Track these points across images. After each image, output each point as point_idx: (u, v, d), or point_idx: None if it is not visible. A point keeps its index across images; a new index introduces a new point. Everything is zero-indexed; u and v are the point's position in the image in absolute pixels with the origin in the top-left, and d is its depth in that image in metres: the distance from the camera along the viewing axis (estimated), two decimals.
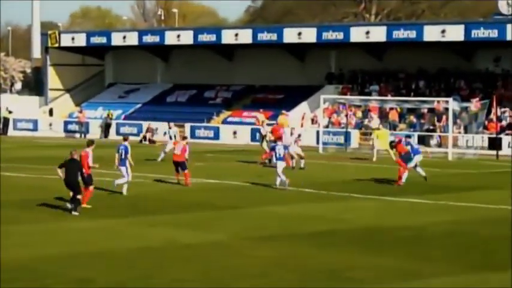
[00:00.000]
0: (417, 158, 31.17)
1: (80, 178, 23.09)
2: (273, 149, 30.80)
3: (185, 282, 15.10)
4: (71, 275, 15.50)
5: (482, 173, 36.36)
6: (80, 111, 61.10)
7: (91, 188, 23.90)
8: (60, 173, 22.82)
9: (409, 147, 31.45)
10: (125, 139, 27.90)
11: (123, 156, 26.92)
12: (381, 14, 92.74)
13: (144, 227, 20.85)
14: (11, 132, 62.18)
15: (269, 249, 18.05)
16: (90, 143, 24.97)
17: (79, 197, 22.98)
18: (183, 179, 29.59)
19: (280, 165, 29.39)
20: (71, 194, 22.93)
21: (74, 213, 22.52)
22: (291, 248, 18.28)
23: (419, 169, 31.22)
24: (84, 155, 24.07)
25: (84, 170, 23.21)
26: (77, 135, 60.23)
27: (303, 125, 54.67)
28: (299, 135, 39.10)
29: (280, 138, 34.47)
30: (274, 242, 18.89)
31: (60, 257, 16.95)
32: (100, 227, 20.82)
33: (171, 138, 37.93)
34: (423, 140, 48.00)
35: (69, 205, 22.79)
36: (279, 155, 29.65)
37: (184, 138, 32.14)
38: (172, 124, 40.38)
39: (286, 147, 32.39)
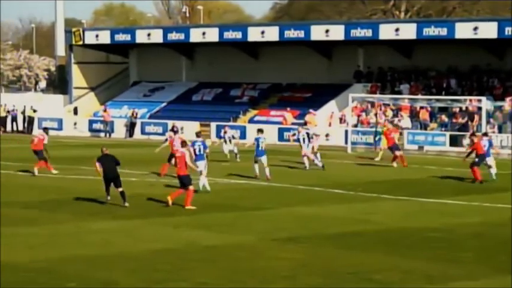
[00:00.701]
0: (488, 160, 31.79)
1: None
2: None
3: (209, 285, 15.08)
4: (94, 277, 15.53)
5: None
6: (105, 110, 61.36)
7: (191, 188, 24.12)
8: (99, 167, 24.19)
9: (486, 147, 31.87)
10: (198, 135, 28.78)
11: (201, 151, 27.39)
12: (411, 11, 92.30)
13: (167, 228, 20.88)
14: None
15: (295, 251, 18.01)
16: (184, 144, 25.52)
17: (121, 189, 24.18)
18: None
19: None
20: (112, 189, 24.18)
21: (125, 204, 24.01)
22: (317, 250, 18.23)
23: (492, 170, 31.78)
24: (181, 156, 24.23)
25: (181, 171, 23.90)
26: (102, 134, 60.48)
27: (331, 124, 54.54)
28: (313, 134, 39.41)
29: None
30: (300, 244, 18.86)
31: (82, 259, 17.00)
32: (122, 228, 20.87)
33: (225, 142, 40.48)
34: (455, 140, 47.70)
35: (109, 197, 24.38)
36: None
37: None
38: (227, 128, 42.41)
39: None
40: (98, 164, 24.35)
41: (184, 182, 24.11)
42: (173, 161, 25.54)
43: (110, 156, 24.60)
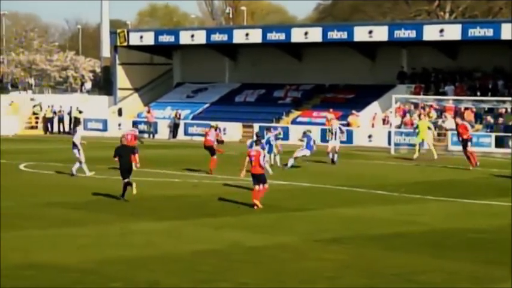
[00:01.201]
0: None
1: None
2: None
3: (251, 285, 15.08)
4: (137, 278, 15.60)
5: None
6: (148, 111, 61.70)
7: (266, 186, 24.30)
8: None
9: None
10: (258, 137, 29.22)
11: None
12: (456, 12, 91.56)
13: (210, 229, 20.91)
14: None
15: (338, 252, 17.96)
16: (259, 142, 25.53)
17: (127, 180, 25.07)
18: None
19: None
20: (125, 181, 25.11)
21: (121, 198, 25.01)
22: (361, 251, 18.17)
23: None
24: (256, 154, 24.32)
25: (256, 170, 24.09)
26: (146, 135, 60.83)
27: (374, 126, 54.31)
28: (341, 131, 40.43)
29: None
30: (344, 245, 18.80)
31: (125, 260, 17.07)
32: (165, 228, 20.95)
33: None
34: (501, 141, 47.23)
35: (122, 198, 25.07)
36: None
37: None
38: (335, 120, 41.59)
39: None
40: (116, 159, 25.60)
41: (260, 180, 24.19)
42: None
43: (129, 148, 25.93)
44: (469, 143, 36.87)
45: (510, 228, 21.15)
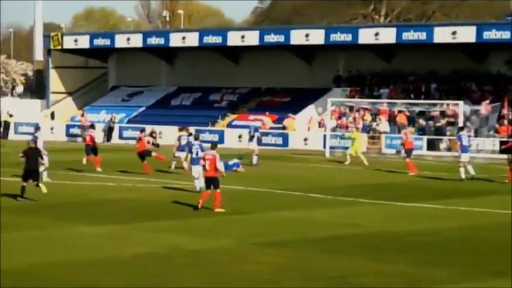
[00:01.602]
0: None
1: None
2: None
3: None
4: (77, 281, 15.54)
5: (493, 177, 36.28)
6: (82, 115, 61.18)
7: (218, 190, 24.37)
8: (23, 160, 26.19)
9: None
10: (197, 138, 29.19)
11: (199, 155, 27.18)
12: (391, 16, 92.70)
13: (150, 232, 20.90)
14: (11, 136, 62.26)
15: (276, 255, 18.07)
16: (214, 146, 25.25)
17: (28, 183, 25.96)
18: None
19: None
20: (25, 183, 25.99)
21: (20, 199, 25.86)
22: (299, 254, 18.30)
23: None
24: (212, 158, 24.36)
25: (213, 174, 24.21)
26: (79, 139, 60.28)
27: (310, 129, 54.69)
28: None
29: None
30: (282, 248, 18.92)
31: (65, 264, 16.99)
32: (105, 232, 20.88)
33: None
34: (433, 144, 47.99)
35: (21, 199, 25.86)
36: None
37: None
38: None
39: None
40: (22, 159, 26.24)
41: (213, 183, 24.24)
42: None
43: (36, 151, 26.82)
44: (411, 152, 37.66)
45: (446, 231, 21.52)
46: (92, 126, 39.38)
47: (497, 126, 48.61)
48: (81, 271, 16.35)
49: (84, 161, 35.45)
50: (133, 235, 20.55)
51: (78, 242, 19.43)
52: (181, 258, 17.70)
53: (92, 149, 35.74)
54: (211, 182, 24.31)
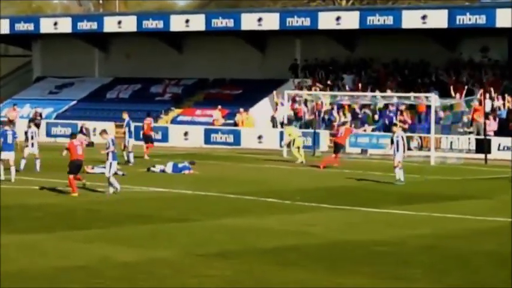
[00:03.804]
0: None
1: None
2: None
3: None
4: None
5: (468, 179, 36.60)
6: (14, 109, 60.06)
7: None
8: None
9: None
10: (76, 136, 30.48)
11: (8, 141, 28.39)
12: None
13: (75, 242, 20.68)
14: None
15: (224, 268, 17.98)
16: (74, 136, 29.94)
17: None
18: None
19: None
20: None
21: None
22: (249, 266, 18.22)
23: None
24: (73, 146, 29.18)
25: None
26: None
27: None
28: None
29: None
30: (230, 259, 18.84)
31: None
32: (22, 242, 20.59)
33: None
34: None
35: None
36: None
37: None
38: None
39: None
40: None
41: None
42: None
43: None
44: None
45: (412, 240, 21.58)
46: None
47: (472, 122, 48.68)
48: None
49: None
50: (56, 245, 20.26)
51: None
52: (113, 271, 17.49)
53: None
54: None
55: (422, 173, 37.85)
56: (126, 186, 30.21)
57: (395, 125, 37.36)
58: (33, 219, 24.13)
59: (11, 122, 58.79)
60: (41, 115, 59.35)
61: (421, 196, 30.35)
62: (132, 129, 42.06)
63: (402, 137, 33.31)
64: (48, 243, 20.63)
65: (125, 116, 42.49)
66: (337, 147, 40.90)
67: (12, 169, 32.96)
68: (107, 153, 29.27)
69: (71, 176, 29.00)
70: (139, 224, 23.56)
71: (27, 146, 36.55)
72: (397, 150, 33.08)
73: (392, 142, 33.60)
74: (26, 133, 37.13)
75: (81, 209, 26.16)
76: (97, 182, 31.34)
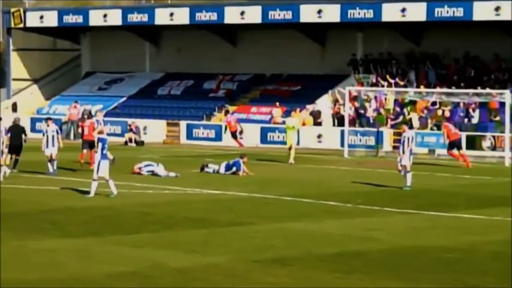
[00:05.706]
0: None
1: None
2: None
3: None
4: None
5: None
6: (75, 106, 60.47)
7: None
8: (6, 140, 33.70)
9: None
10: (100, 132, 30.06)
11: (104, 151, 28.12)
12: None
13: (126, 247, 20.84)
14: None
15: (282, 275, 18.01)
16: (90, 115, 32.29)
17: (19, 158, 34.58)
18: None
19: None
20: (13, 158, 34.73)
21: (14, 170, 34.25)
22: (309, 273, 18.24)
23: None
24: (90, 126, 35.74)
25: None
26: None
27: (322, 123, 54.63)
28: None
29: None
30: (288, 266, 18.85)
31: (27, 283, 16.89)
32: (72, 247, 20.80)
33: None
34: (473, 142, 47.71)
35: (15, 170, 34.05)
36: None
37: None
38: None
39: None
40: (5, 138, 34.48)
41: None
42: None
43: (20, 128, 36.08)
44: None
45: (483, 246, 21.42)
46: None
47: None
48: None
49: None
50: (106, 250, 20.45)
51: (38, 258, 19.31)
52: (165, 278, 17.61)
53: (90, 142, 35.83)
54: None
55: (495, 175, 37.55)
56: (179, 187, 30.33)
57: (406, 123, 38.00)
58: (81, 223, 24.33)
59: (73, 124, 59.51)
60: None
61: (494, 199, 30.12)
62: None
63: (409, 138, 32.57)
64: (97, 248, 20.82)
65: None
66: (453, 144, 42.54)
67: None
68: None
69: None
70: (192, 228, 23.67)
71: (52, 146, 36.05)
72: (403, 152, 32.44)
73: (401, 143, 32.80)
74: (45, 132, 36.45)
75: (131, 211, 26.35)
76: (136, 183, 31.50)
